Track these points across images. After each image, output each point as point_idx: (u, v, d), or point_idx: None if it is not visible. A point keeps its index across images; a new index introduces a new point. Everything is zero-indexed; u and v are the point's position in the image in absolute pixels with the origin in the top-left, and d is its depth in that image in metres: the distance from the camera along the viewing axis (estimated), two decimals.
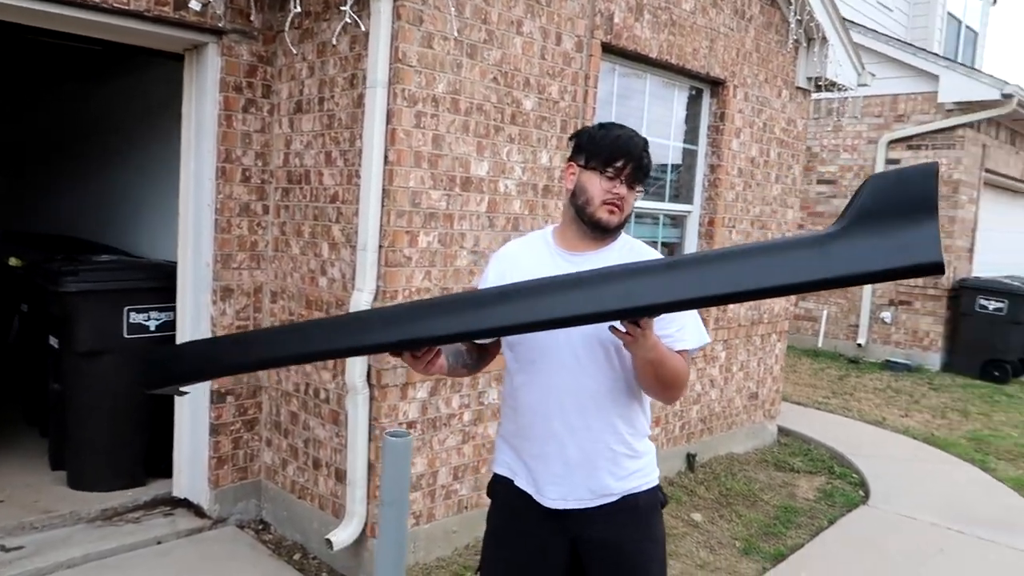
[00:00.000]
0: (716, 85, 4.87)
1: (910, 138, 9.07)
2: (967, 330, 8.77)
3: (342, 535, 3.18)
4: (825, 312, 9.81)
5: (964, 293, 8.80)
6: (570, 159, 1.89)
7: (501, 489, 1.99)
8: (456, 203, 3.38)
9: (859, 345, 9.45)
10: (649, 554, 1.92)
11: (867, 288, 9.36)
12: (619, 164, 1.80)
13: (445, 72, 3.26)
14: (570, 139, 1.93)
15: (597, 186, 1.80)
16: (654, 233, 4.86)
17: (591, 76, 3.90)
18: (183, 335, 3.74)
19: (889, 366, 8.87)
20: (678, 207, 4.92)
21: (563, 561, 1.90)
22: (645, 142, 1.86)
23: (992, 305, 8.54)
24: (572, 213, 1.87)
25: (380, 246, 3.17)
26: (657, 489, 1.95)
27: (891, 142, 9.18)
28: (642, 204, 4.65)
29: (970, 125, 8.85)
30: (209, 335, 3.63)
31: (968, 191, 9.09)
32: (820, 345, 9.77)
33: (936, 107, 8.91)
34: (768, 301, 5.45)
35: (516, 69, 3.55)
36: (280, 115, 3.71)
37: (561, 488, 1.86)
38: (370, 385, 3.22)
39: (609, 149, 1.81)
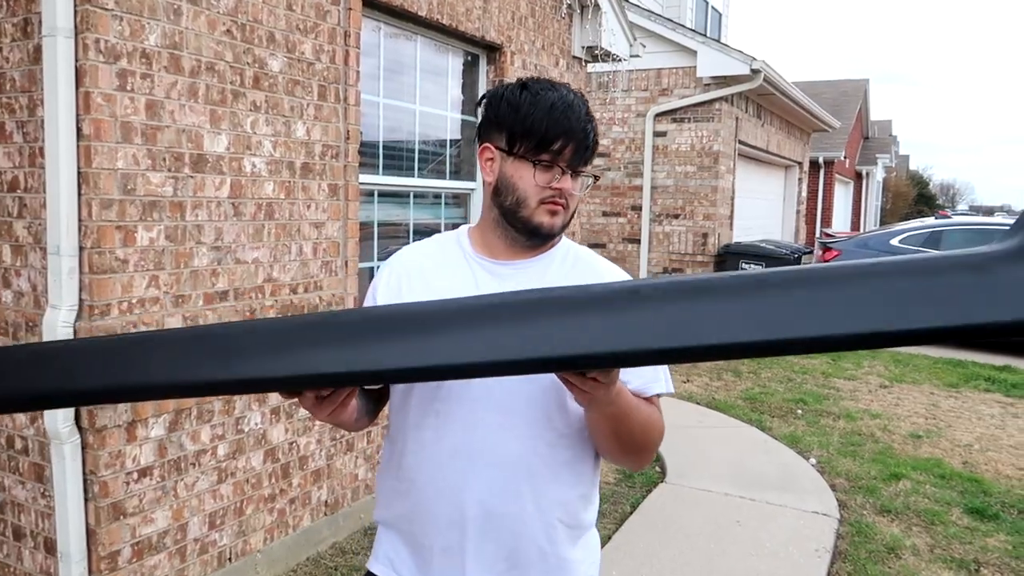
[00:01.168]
0: (493, 51, 4.50)
1: (674, 111, 9.43)
2: None
3: None
4: None
5: (728, 258, 9.35)
6: (483, 139, 1.34)
7: None
8: (187, 188, 2.68)
9: None
10: None
11: (643, 257, 9.66)
12: (557, 145, 1.26)
13: (158, 20, 2.54)
14: (477, 104, 1.38)
15: (530, 181, 1.28)
16: (436, 214, 4.42)
17: (351, 33, 3.34)
18: None
19: None
20: (460, 184, 4.51)
21: None
22: (586, 106, 1.31)
23: (752, 268, 9.15)
24: (495, 215, 1.34)
25: (81, 247, 2.41)
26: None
27: (657, 115, 9.49)
28: (421, 182, 4.18)
29: (725, 99, 9.35)
30: None
31: (726, 161, 9.64)
32: None
33: (696, 81, 9.31)
34: None
35: (256, 21, 2.90)
36: None
37: None
38: (80, 429, 2.46)
39: (542, 125, 1.25)
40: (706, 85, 9.25)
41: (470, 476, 1.27)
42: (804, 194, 14.86)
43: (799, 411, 6.19)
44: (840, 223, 22.01)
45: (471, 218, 4.55)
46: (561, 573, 1.33)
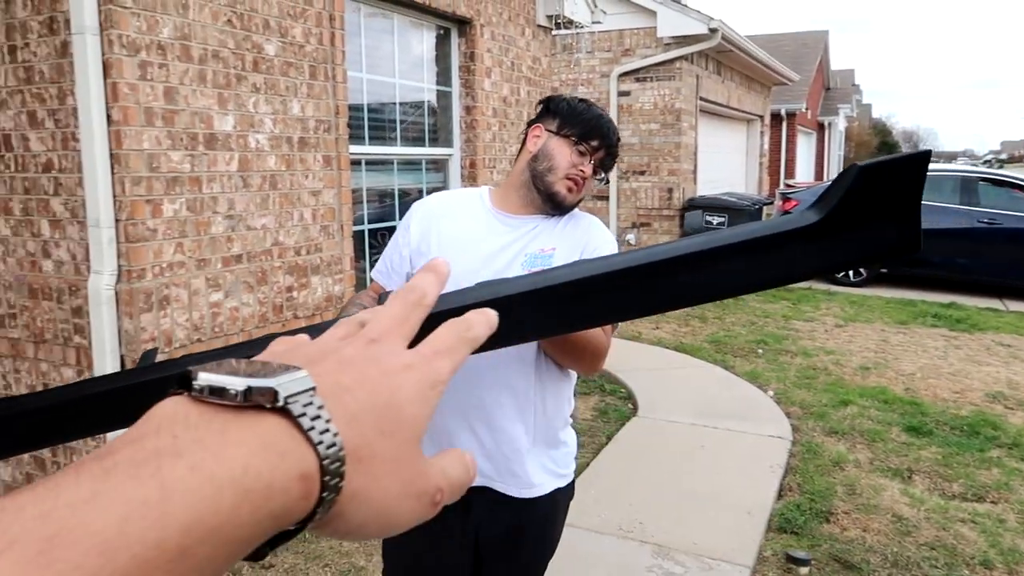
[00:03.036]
0: (463, 24, 4.81)
1: (637, 71, 9.76)
2: None
3: None
4: None
5: (692, 211, 9.79)
6: (536, 121, 1.76)
7: None
8: (202, 163, 3.01)
9: None
10: (547, 557, 1.87)
11: (612, 213, 10.07)
12: (595, 143, 1.70)
13: (169, 14, 2.85)
14: (539, 103, 1.79)
15: (567, 156, 1.69)
16: (418, 179, 4.76)
17: (336, 16, 3.65)
18: None
19: None
20: (439, 151, 4.85)
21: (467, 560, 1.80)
22: (618, 135, 1.79)
23: (716, 220, 9.60)
24: (526, 177, 1.73)
25: (117, 220, 2.75)
26: (572, 485, 1.88)
27: (621, 75, 9.81)
28: (404, 150, 4.52)
29: (686, 58, 9.70)
30: None
31: (688, 118, 10.02)
32: None
33: (656, 41, 9.63)
34: None
35: (253, 10, 3.20)
36: None
37: (481, 464, 1.71)
38: None
39: (589, 125, 1.70)
40: (666, 45, 9.58)
41: (468, 382, 1.69)
42: (766, 147, 15.32)
43: (760, 351, 6.69)
44: (803, 174, 22.59)
45: (449, 183, 4.91)
46: (539, 458, 1.76)
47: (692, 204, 9.85)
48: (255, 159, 3.25)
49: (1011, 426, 4.98)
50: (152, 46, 2.79)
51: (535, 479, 1.74)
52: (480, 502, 1.74)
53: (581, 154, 1.70)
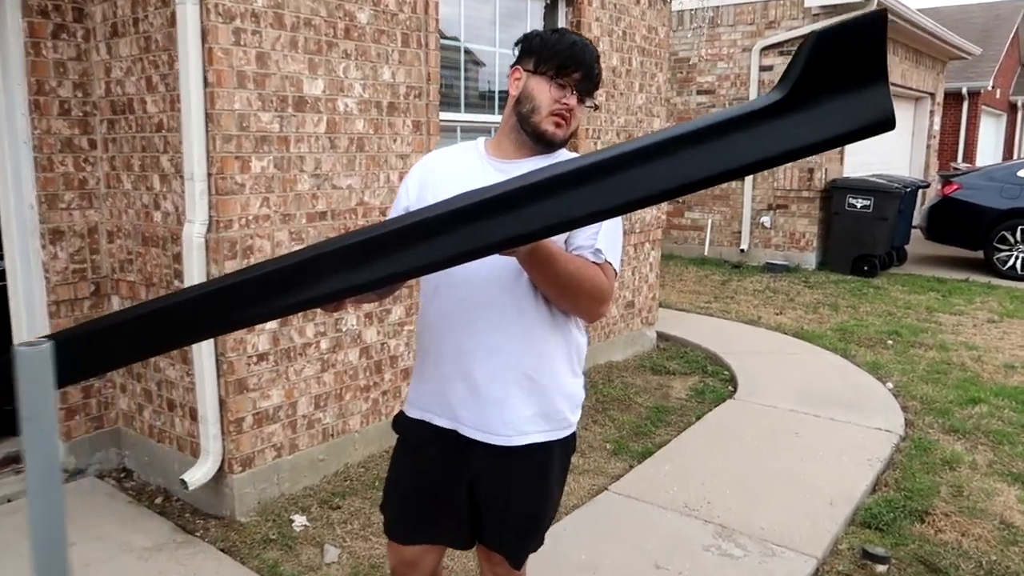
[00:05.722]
0: None
1: (781, 44, 9.25)
2: (838, 228, 9.19)
3: (197, 474, 3.11)
4: (710, 220, 10.09)
5: (835, 193, 9.19)
6: (516, 64, 1.76)
7: (408, 430, 1.88)
8: (290, 125, 3.23)
9: (742, 251, 9.80)
10: (546, 508, 1.88)
11: (747, 194, 9.65)
12: (573, 72, 1.68)
13: None
14: (516, 44, 1.78)
15: (547, 94, 1.68)
16: None
17: None
18: (15, 284, 3.50)
19: (769, 268, 9.25)
20: None
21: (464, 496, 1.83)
22: (597, 53, 1.75)
23: (860, 203, 8.96)
24: (513, 121, 1.74)
25: (209, 174, 3.01)
26: (574, 437, 1.86)
27: (763, 49, 9.34)
28: (499, 119, 4.58)
29: None
30: (43, 281, 3.41)
31: None
32: (706, 253, 10.08)
33: (804, 12, 9.08)
34: (640, 211, 5.53)
35: None
36: (96, 40, 3.43)
37: (473, 416, 1.74)
38: None
39: (564, 55, 1.68)
40: (815, 15, 9.00)
41: (465, 320, 1.72)
42: (936, 127, 14.03)
43: (889, 342, 6.22)
44: (988, 158, 20.44)
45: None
46: (541, 405, 1.75)
47: (835, 185, 9.24)
48: (343, 122, 3.43)
49: None
50: (246, 14, 3.02)
51: (527, 427, 1.75)
52: (473, 449, 1.76)
53: (561, 87, 1.68)
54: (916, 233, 10.33)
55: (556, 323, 1.74)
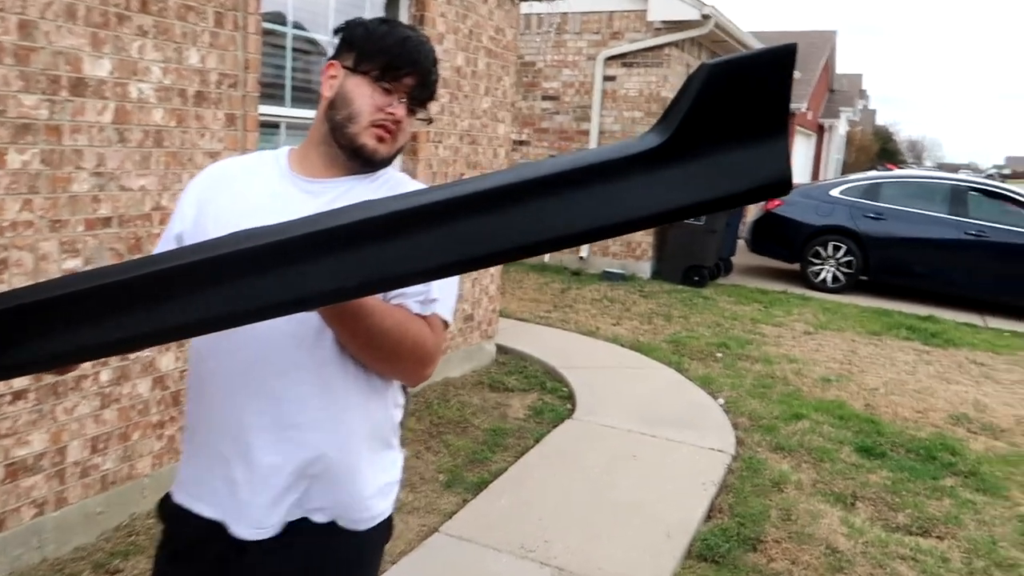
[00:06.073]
0: None
1: (624, 55, 9.38)
2: (672, 239, 9.45)
3: None
4: None
5: None
6: (333, 58, 1.39)
7: (172, 521, 1.47)
8: (64, 112, 2.66)
9: (581, 258, 9.86)
10: None
11: None
12: (404, 76, 1.33)
13: None
14: (336, 31, 1.42)
15: (367, 99, 1.33)
16: None
17: None
18: None
19: (606, 276, 9.35)
20: None
21: None
22: (434, 53, 1.39)
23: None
24: (324, 130, 1.38)
25: None
26: (390, 521, 1.49)
27: (607, 59, 9.43)
28: None
29: (676, 44, 9.31)
30: None
31: None
32: (547, 259, 10.06)
33: (646, 25, 9.25)
34: None
35: None
36: None
37: (252, 511, 1.35)
38: None
39: (393, 52, 1.33)
40: (657, 29, 9.20)
41: (249, 383, 1.32)
42: None
43: (719, 355, 6.38)
44: (799, 175, 22.18)
45: None
46: (350, 483, 1.39)
47: None
48: (136, 111, 2.89)
49: (971, 452, 4.69)
50: None
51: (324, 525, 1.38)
52: (243, 557, 1.36)
53: (387, 93, 1.33)
54: (741, 244, 10.87)
55: (372, 390, 1.38)
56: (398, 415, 1.49)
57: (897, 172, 10.93)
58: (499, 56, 5.29)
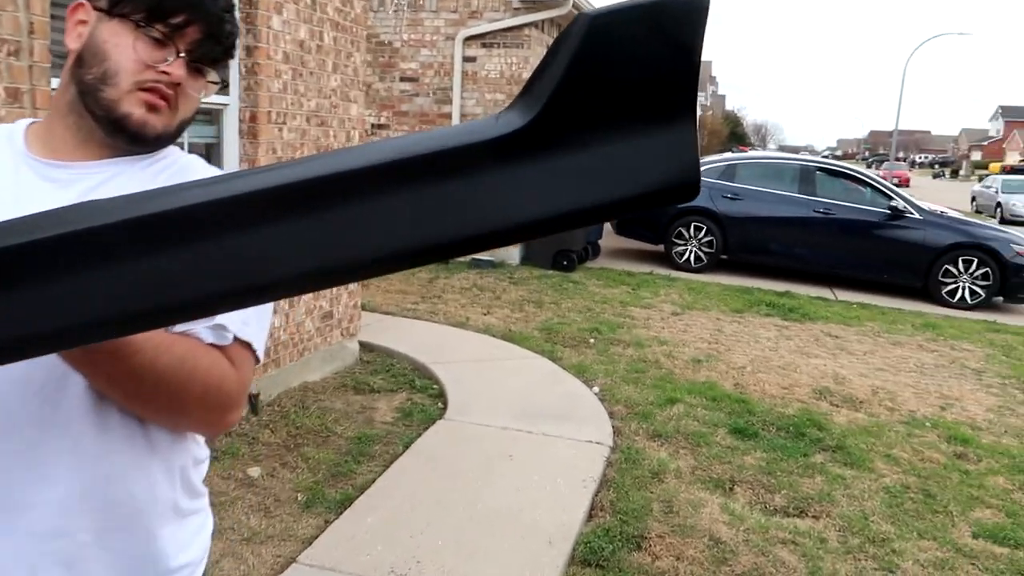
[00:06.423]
0: None
1: (484, 36, 9.10)
2: None
3: None
4: None
5: None
6: None
7: None
8: None
9: None
10: None
11: None
12: (184, 24, 0.97)
13: None
14: None
15: (128, 51, 0.96)
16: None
17: None
18: None
19: (475, 264, 9.09)
20: (210, 99, 3.97)
21: None
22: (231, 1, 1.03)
23: None
24: (71, 95, 1.00)
25: None
26: None
27: (467, 39, 9.13)
28: None
29: (536, 25, 9.14)
30: None
31: None
32: None
33: (505, 5, 9.01)
34: None
35: None
36: None
37: None
38: None
39: None
40: (516, 9, 8.98)
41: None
42: None
43: (592, 340, 6.27)
44: None
45: (224, 138, 4.04)
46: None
47: None
48: None
49: (835, 426, 4.78)
50: None
51: None
52: None
53: (158, 43, 0.97)
54: (607, 227, 10.92)
55: (150, 450, 1.01)
56: (198, 473, 1.11)
57: (751, 154, 11.33)
58: (347, 30, 4.86)
